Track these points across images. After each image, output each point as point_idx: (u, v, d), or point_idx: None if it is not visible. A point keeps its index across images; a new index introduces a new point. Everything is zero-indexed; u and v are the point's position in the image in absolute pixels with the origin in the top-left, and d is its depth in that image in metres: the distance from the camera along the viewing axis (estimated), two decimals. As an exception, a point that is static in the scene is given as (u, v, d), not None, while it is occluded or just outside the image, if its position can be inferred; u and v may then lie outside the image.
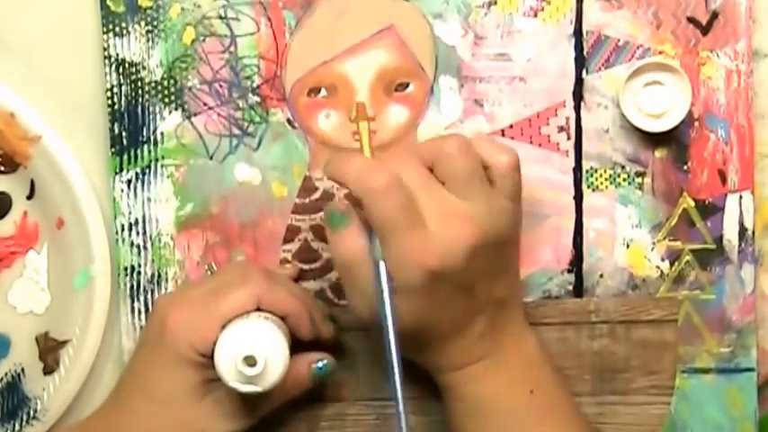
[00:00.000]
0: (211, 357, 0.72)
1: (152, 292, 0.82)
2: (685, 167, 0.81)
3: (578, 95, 0.81)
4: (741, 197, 0.81)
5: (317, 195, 0.81)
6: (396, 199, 0.70)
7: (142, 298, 0.82)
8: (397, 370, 0.71)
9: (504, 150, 0.74)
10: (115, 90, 0.80)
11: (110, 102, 0.80)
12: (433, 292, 0.71)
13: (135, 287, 0.81)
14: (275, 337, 0.72)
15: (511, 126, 0.81)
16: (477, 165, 0.73)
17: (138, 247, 0.81)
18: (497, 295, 0.74)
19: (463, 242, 0.71)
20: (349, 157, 0.73)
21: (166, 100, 0.81)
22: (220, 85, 0.81)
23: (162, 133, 0.81)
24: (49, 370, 0.82)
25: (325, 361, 0.78)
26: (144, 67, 0.80)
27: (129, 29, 0.80)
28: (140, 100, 0.81)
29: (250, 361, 0.70)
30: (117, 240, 0.81)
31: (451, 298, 0.72)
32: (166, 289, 0.81)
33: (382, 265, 0.71)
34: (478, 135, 0.79)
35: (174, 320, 0.74)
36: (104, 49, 0.80)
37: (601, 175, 0.81)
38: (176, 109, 0.81)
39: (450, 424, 0.77)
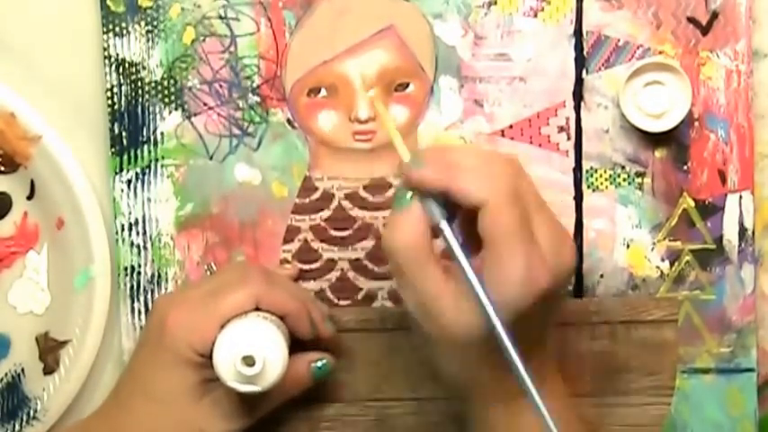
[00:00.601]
0: (210, 357, 0.72)
1: (152, 292, 0.82)
2: (685, 167, 0.81)
3: (578, 95, 0.81)
4: (741, 197, 0.81)
5: (316, 195, 0.81)
6: (518, 208, 0.65)
7: (142, 298, 0.82)
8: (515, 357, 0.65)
9: None
10: (115, 90, 0.80)
11: (110, 102, 0.80)
12: (533, 313, 0.66)
13: (135, 287, 0.81)
14: (274, 336, 0.72)
15: (511, 126, 0.81)
16: None
17: (138, 247, 0.81)
18: (553, 326, 0.71)
19: (569, 264, 0.67)
20: (460, 150, 0.68)
21: (166, 100, 0.81)
22: (220, 85, 0.81)
23: (162, 133, 0.81)
24: (49, 370, 0.82)
25: (324, 360, 0.78)
26: (144, 67, 0.80)
27: (129, 29, 0.80)
28: (140, 100, 0.81)
29: (249, 361, 0.70)
30: (117, 240, 0.81)
31: (539, 321, 0.68)
32: (166, 289, 0.81)
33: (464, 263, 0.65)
34: None
35: (173, 320, 0.74)
36: (104, 49, 0.80)
37: (601, 176, 0.81)
38: (176, 109, 0.81)
39: None
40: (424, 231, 0.66)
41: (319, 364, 0.78)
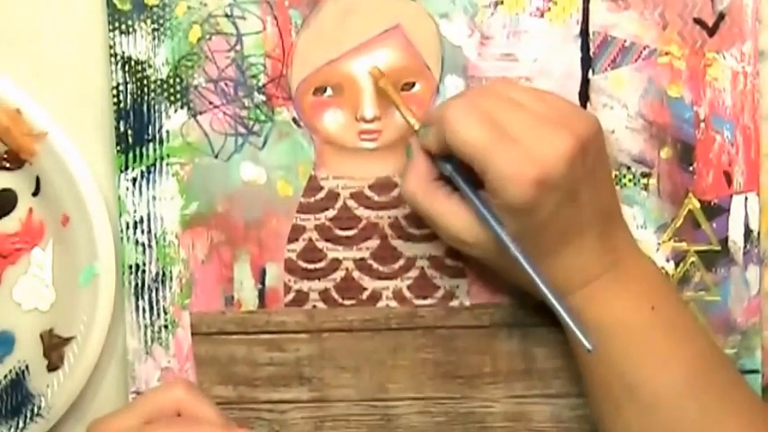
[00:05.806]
0: None
1: (156, 290, 0.82)
2: (691, 168, 0.81)
3: (584, 96, 0.81)
4: (746, 198, 0.81)
5: (322, 195, 0.81)
6: (475, 118, 0.71)
7: (146, 296, 0.82)
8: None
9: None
10: (121, 88, 0.80)
11: (115, 100, 0.80)
12: (540, 204, 0.70)
13: (139, 285, 0.82)
14: None
15: (516, 126, 0.81)
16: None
17: (143, 245, 0.81)
18: (602, 205, 0.74)
19: (559, 147, 0.70)
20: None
21: (172, 98, 0.81)
22: (226, 84, 0.81)
23: (167, 132, 0.81)
24: (53, 367, 0.83)
25: None
26: (150, 66, 0.80)
27: (136, 27, 0.80)
28: (146, 98, 0.81)
29: None
30: (122, 238, 0.81)
31: (558, 209, 0.71)
32: (171, 288, 0.82)
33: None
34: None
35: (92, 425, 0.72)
36: (110, 47, 0.80)
37: (606, 176, 0.81)
38: (182, 107, 0.81)
39: (576, 355, 0.76)
40: (427, 172, 0.75)
41: None
